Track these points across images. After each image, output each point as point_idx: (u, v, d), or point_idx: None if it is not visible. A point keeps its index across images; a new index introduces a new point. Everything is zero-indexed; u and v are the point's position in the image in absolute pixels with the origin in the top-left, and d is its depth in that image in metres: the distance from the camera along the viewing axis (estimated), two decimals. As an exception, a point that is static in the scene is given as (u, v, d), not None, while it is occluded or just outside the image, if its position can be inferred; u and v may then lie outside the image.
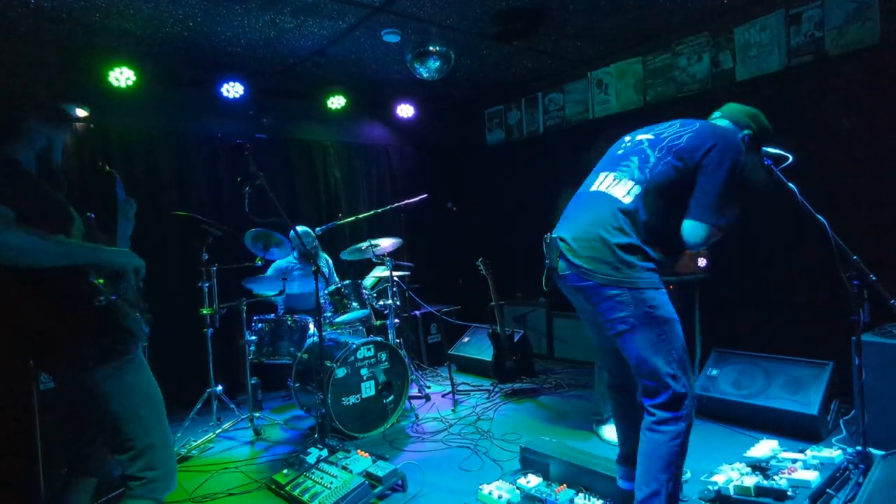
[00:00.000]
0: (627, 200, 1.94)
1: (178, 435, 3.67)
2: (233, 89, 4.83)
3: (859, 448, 2.59)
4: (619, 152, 2.15)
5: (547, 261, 2.03)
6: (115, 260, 1.77)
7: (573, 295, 2.07)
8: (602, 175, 2.10)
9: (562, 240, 1.99)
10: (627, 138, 2.21)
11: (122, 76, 4.31)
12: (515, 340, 4.71)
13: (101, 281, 1.71)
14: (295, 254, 4.53)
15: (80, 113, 4.24)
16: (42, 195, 1.71)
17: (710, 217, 1.91)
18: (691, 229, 1.93)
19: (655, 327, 1.88)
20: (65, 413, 1.93)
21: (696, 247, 1.98)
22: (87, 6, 3.43)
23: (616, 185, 2.01)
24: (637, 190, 1.95)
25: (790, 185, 2.46)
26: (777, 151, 2.51)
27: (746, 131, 2.18)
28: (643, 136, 2.14)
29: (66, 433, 1.94)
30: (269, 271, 4.54)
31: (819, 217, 2.42)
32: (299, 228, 4.27)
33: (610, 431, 3.39)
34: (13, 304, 1.72)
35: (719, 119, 2.25)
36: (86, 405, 1.83)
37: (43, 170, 1.80)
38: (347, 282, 4.14)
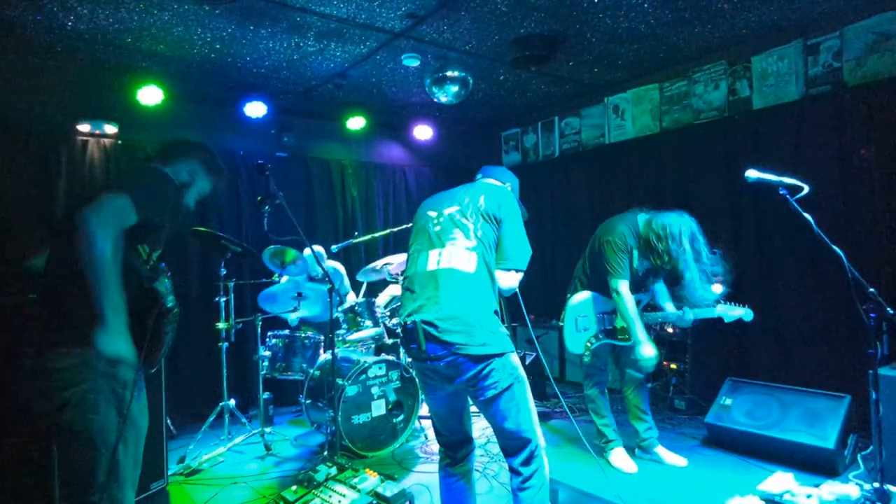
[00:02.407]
0: (472, 269, 2.08)
1: (191, 447, 3.71)
2: (256, 109, 4.94)
3: (877, 485, 2.52)
4: (437, 229, 2.22)
5: (413, 346, 2.08)
6: (115, 347, 1.66)
7: (443, 372, 2.09)
8: (434, 253, 2.16)
9: (426, 322, 2.03)
10: (434, 213, 2.28)
11: (150, 94, 4.46)
12: (527, 363, 4.70)
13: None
14: (305, 275, 4.56)
15: (109, 129, 4.41)
16: (158, 220, 1.83)
17: (521, 262, 2.18)
18: (509, 277, 2.16)
19: (517, 387, 2.06)
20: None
21: (511, 291, 2.20)
22: (121, 28, 3.57)
23: (456, 259, 2.10)
24: (475, 257, 2.10)
25: (806, 215, 2.45)
26: (793, 182, 2.52)
27: (510, 184, 2.50)
28: (449, 209, 2.24)
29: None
30: (278, 288, 4.57)
31: (835, 248, 2.40)
32: (315, 248, 4.31)
33: (617, 457, 3.36)
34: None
35: (485, 181, 2.50)
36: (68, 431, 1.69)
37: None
38: (361, 300, 4.17)
